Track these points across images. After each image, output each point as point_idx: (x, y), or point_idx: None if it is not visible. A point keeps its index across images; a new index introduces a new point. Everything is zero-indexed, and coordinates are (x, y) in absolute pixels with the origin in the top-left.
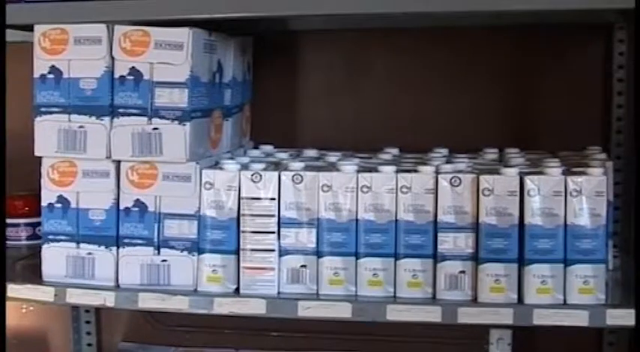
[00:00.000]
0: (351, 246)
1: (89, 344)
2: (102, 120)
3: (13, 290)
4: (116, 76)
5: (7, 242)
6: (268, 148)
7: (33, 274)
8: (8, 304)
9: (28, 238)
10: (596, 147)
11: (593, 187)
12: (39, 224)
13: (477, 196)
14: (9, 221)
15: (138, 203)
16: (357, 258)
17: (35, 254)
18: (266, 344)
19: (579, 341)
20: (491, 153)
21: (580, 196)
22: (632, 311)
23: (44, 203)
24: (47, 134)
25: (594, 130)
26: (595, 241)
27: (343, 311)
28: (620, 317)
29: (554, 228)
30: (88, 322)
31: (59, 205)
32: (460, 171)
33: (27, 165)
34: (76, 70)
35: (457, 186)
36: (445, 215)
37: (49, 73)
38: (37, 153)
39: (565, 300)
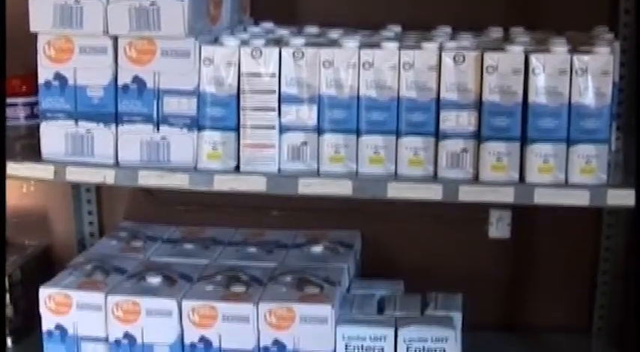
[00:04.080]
0: (352, 123)
1: (90, 223)
2: None
3: (12, 168)
4: None
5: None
6: (269, 25)
7: (32, 152)
8: (9, 183)
9: (27, 118)
10: (603, 26)
11: (599, 66)
12: (37, 103)
13: (480, 74)
14: (7, 100)
15: (136, 79)
16: (358, 136)
17: (34, 133)
18: (266, 223)
19: (578, 223)
20: (495, 32)
21: (585, 75)
22: (632, 192)
23: (41, 80)
24: (43, 8)
25: (601, 9)
26: (599, 121)
27: (344, 188)
28: (621, 197)
29: (558, 107)
30: (88, 201)
31: (56, 82)
32: (464, 48)
33: (24, 43)
34: None
35: (461, 63)
36: (448, 92)
37: None
38: (32, 29)
39: (566, 180)
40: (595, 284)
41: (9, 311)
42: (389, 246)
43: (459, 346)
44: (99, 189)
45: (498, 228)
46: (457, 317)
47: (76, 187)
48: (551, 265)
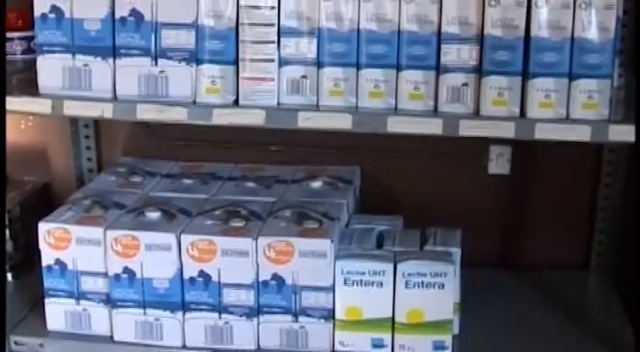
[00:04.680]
0: (352, 56)
1: (89, 159)
2: None
3: (10, 102)
4: None
5: None
6: None
7: (29, 87)
8: (7, 117)
9: (23, 52)
10: None
11: (602, 0)
12: (34, 38)
13: (482, 7)
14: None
15: (133, 12)
16: (358, 69)
17: (31, 68)
18: (266, 158)
19: (578, 160)
20: None
21: (589, 9)
22: (634, 127)
23: (37, 13)
24: None
25: None
26: (602, 56)
27: (343, 122)
28: (623, 132)
29: (560, 41)
30: (87, 137)
31: (53, 15)
32: None
33: None
34: None
35: None
36: (449, 26)
37: None
38: None
39: (568, 115)
40: (594, 221)
41: (9, 247)
42: (388, 181)
43: (458, 281)
44: (97, 124)
45: (498, 164)
46: (456, 252)
47: (74, 123)
48: (550, 202)
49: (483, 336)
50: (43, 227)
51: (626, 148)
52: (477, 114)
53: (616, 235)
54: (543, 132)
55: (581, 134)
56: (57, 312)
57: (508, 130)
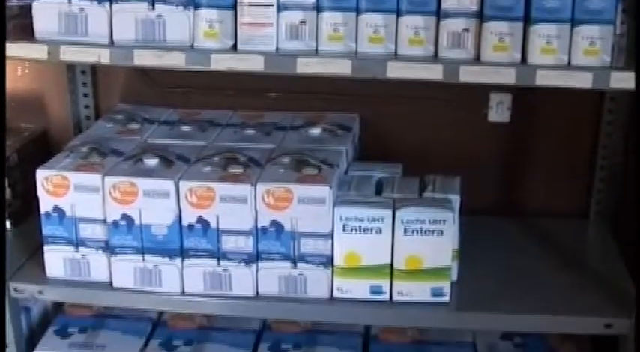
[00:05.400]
0: (351, 1)
1: (87, 106)
2: None
3: (6, 48)
4: None
5: None
6: None
7: (25, 33)
8: None
9: None
10: None
11: None
12: None
13: None
14: None
15: None
16: (357, 14)
17: (27, 13)
18: (264, 105)
19: (579, 109)
20: None
21: None
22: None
23: None
24: None
25: None
26: (604, 1)
27: (343, 68)
28: (625, 80)
29: None
30: (84, 84)
31: None
32: None
33: None
34: None
35: None
36: None
37: None
38: None
39: (569, 61)
40: (594, 169)
41: (7, 194)
42: (388, 129)
43: (457, 228)
44: (94, 71)
45: (498, 111)
46: (455, 199)
47: (71, 69)
48: (550, 150)
49: (481, 283)
50: (41, 174)
51: (626, 97)
52: (477, 60)
53: (615, 184)
54: (544, 79)
55: (583, 81)
56: (56, 259)
57: (509, 76)
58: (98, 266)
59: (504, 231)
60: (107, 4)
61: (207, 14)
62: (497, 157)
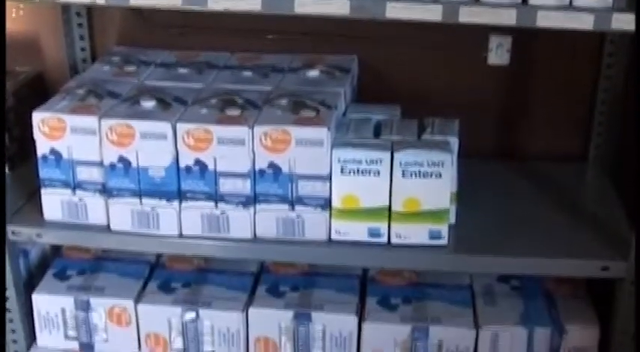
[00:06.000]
0: None
1: (82, 49)
2: None
3: None
4: None
5: None
6: None
7: None
8: None
9: None
10: None
11: None
12: None
13: None
14: None
15: None
16: None
17: None
18: (262, 47)
19: (579, 52)
20: None
21: None
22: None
23: None
24: None
25: None
26: None
27: (341, 8)
28: (626, 21)
29: None
30: (80, 25)
31: None
32: None
33: None
34: None
35: None
36: None
37: None
38: None
39: (571, 2)
40: (593, 113)
41: None
42: (386, 71)
43: (455, 171)
44: (90, 13)
45: (498, 54)
46: (454, 142)
47: (65, 11)
48: (549, 93)
49: (479, 226)
50: (37, 116)
51: (627, 40)
52: (477, 0)
53: (615, 128)
54: (545, 20)
55: (584, 22)
56: (53, 202)
57: (509, 17)
58: (95, 209)
59: (503, 174)
60: None
61: None
62: (496, 100)
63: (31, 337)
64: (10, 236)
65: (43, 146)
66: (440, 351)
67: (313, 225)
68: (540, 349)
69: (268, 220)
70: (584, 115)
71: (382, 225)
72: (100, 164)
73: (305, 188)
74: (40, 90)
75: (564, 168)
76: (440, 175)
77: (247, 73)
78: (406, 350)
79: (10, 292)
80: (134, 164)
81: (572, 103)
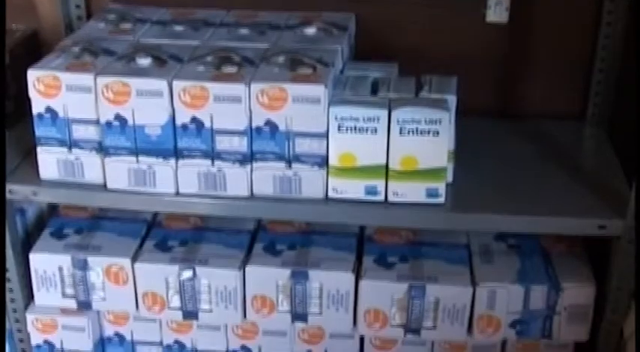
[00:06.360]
0: None
1: (77, 6)
2: None
3: None
4: None
5: None
6: None
7: None
8: None
9: None
10: None
11: None
12: None
13: None
14: None
15: None
16: None
17: None
18: (258, 4)
19: (577, 10)
20: None
21: None
22: None
23: None
24: None
25: None
26: None
27: None
28: None
29: None
30: None
31: None
32: None
33: None
34: None
35: None
36: None
37: None
38: None
39: None
40: (591, 72)
41: None
42: (384, 28)
43: (453, 129)
44: None
45: (496, 12)
46: (451, 99)
47: None
48: (548, 52)
49: (477, 185)
50: (32, 74)
51: None
52: None
53: (613, 86)
54: None
55: None
56: (49, 161)
57: None
58: (92, 167)
59: (501, 132)
60: None
61: None
62: (494, 58)
63: (29, 296)
64: (6, 194)
65: (38, 104)
66: (437, 309)
67: (310, 182)
68: (537, 306)
69: (265, 178)
70: (583, 73)
71: (379, 183)
72: (96, 122)
73: (302, 146)
74: (35, 49)
75: (562, 126)
76: (437, 133)
77: (244, 31)
78: (403, 308)
79: (7, 251)
80: (130, 122)
81: (571, 62)
